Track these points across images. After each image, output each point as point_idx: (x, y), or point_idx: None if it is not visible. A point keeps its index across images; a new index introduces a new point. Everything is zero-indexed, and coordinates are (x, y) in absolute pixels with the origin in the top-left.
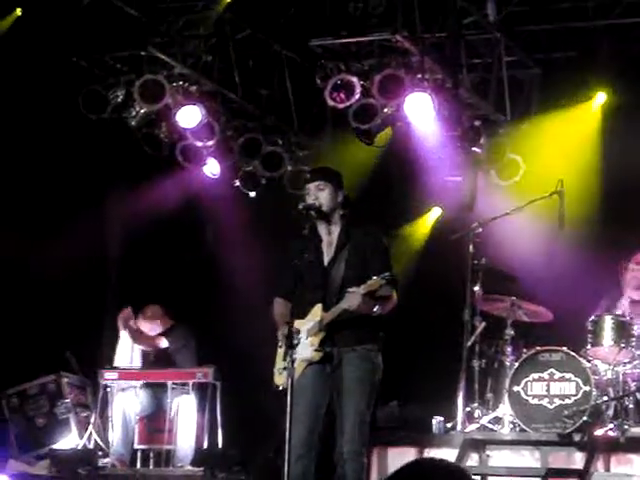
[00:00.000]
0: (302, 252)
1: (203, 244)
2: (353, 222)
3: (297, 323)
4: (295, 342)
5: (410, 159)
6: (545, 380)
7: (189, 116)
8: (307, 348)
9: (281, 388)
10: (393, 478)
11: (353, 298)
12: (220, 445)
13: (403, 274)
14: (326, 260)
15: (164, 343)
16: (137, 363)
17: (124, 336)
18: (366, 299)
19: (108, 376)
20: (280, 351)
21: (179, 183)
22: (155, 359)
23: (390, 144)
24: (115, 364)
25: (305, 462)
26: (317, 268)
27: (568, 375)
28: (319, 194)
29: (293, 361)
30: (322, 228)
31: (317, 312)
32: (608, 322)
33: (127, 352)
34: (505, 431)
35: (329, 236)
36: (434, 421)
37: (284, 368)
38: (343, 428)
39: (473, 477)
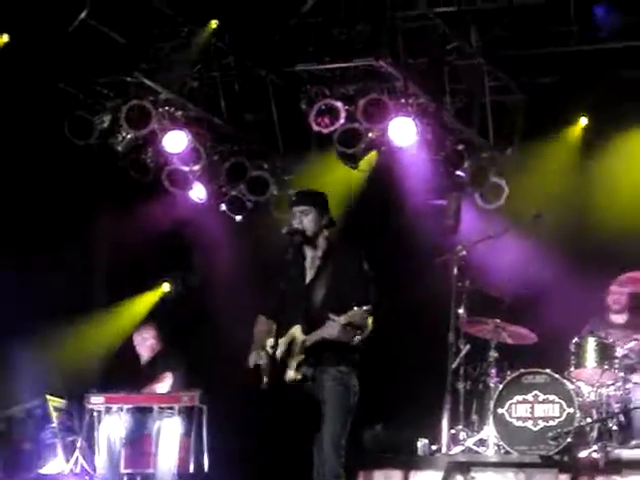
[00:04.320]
0: (286, 272)
1: (190, 268)
2: (337, 244)
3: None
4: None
5: (394, 182)
6: (529, 402)
7: (175, 141)
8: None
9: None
10: None
11: (333, 328)
12: (206, 469)
13: (387, 297)
14: (307, 280)
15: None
16: None
17: None
18: (346, 329)
19: (94, 400)
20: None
21: (165, 208)
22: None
23: (374, 168)
24: None
25: None
26: (299, 288)
27: (552, 397)
28: (303, 218)
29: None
30: (307, 250)
31: (295, 333)
32: (591, 344)
33: None
34: (490, 453)
35: (313, 257)
36: (419, 443)
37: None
38: (320, 452)
39: None
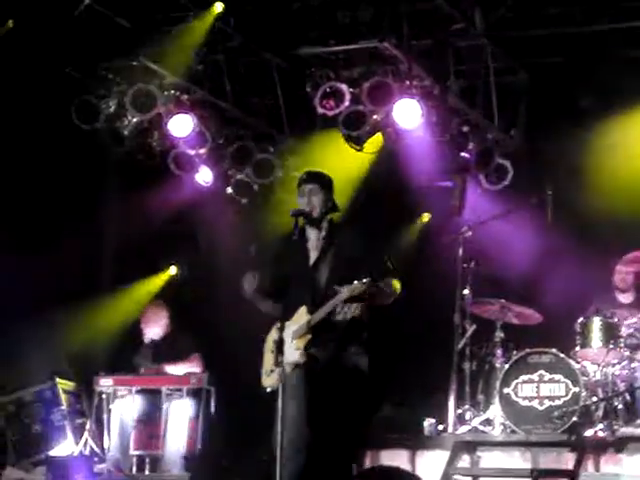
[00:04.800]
0: (291, 254)
1: (196, 250)
2: (340, 225)
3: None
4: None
5: (399, 165)
6: (535, 382)
7: (181, 125)
8: (293, 351)
9: (269, 390)
10: None
11: (334, 301)
12: (213, 450)
13: None
14: (311, 262)
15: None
16: None
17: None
18: (347, 303)
19: (103, 383)
20: (267, 353)
21: (172, 191)
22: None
23: (380, 150)
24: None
25: (294, 464)
26: (303, 270)
27: (557, 376)
28: (312, 197)
29: (283, 365)
30: (311, 231)
31: (302, 314)
32: (596, 324)
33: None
34: (496, 432)
35: (316, 239)
36: (426, 423)
37: (271, 370)
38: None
39: (464, 478)
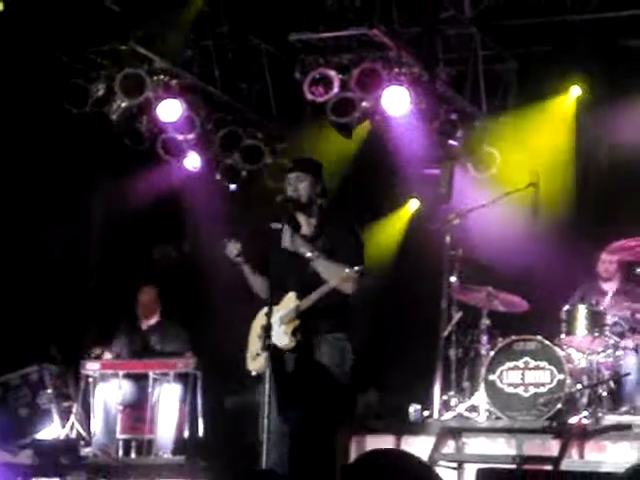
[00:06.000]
0: (279, 240)
1: (184, 236)
2: (329, 214)
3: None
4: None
5: (388, 152)
6: (520, 369)
7: (170, 110)
8: (281, 336)
9: (254, 373)
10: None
11: (323, 290)
12: (200, 434)
13: (381, 265)
14: None
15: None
16: None
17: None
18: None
19: (90, 366)
20: (253, 336)
21: (160, 176)
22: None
23: (368, 137)
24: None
25: (281, 448)
26: (292, 256)
27: (543, 364)
28: (299, 185)
29: (270, 348)
30: (300, 218)
31: (291, 300)
32: (582, 311)
33: None
34: (481, 419)
35: (306, 226)
36: (411, 409)
37: (257, 354)
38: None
39: (449, 464)
